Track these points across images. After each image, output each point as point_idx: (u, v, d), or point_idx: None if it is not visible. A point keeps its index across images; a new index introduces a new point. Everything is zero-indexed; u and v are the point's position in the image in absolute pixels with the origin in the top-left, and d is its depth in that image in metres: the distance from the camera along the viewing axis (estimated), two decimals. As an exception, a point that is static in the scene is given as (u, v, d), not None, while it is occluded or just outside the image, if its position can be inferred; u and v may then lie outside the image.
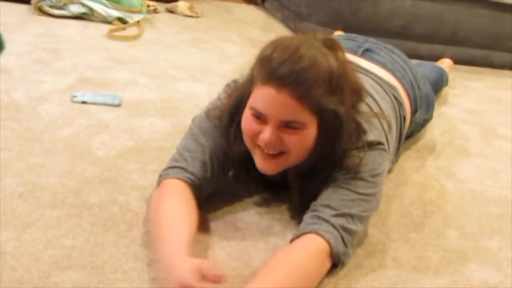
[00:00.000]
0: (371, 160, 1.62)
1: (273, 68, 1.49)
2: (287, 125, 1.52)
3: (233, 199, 1.80)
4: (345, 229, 1.52)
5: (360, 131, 1.63)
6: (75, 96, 2.29)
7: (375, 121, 1.70)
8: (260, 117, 1.53)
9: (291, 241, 1.54)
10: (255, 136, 1.56)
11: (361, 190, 1.59)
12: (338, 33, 3.20)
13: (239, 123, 1.62)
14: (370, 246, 1.69)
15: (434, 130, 2.59)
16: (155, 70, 2.77)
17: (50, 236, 1.51)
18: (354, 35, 2.42)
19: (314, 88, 1.49)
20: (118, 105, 2.31)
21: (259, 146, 1.57)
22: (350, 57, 1.71)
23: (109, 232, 1.56)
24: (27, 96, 2.26)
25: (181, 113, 2.32)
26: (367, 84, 1.82)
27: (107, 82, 2.53)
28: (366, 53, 2.23)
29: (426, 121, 2.45)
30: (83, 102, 2.27)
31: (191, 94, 2.53)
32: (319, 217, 1.54)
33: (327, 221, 1.52)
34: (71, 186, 1.73)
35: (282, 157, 1.58)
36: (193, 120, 1.77)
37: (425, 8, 3.76)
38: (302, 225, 1.57)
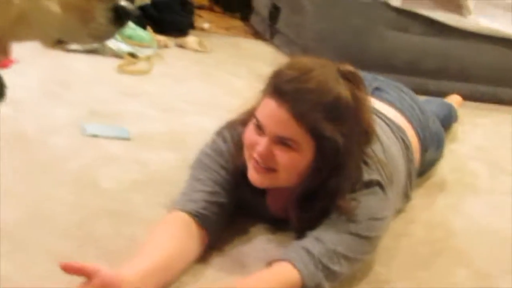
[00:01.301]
0: (370, 204, 1.61)
1: (280, 83, 1.54)
2: (282, 141, 1.53)
3: (240, 234, 1.79)
4: (325, 267, 1.49)
5: (360, 173, 1.63)
6: (85, 129, 2.30)
7: (378, 166, 1.69)
8: (260, 128, 1.56)
9: (267, 265, 1.53)
10: (252, 146, 1.58)
11: (353, 231, 1.56)
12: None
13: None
14: (377, 284, 1.67)
15: (444, 167, 2.57)
16: (164, 103, 2.78)
17: (54, 268, 1.50)
18: (363, 73, 2.42)
19: (314, 111, 1.51)
20: (127, 138, 2.31)
21: (254, 159, 1.58)
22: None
23: (115, 265, 1.55)
24: (37, 128, 2.27)
25: (188, 146, 2.32)
26: (378, 127, 1.82)
27: (117, 115, 2.54)
28: (375, 91, 2.23)
29: (436, 159, 2.44)
30: (93, 135, 2.28)
31: (199, 128, 2.53)
32: (302, 247, 1.53)
33: (309, 252, 1.50)
34: (77, 218, 1.73)
35: (272, 174, 1.59)
36: (201, 150, 1.78)
37: (433, 43, 3.77)
38: (283, 251, 1.56)
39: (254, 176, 1.61)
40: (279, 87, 1.54)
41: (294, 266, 1.48)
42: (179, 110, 2.73)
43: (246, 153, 1.62)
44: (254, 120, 1.59)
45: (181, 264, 1.54)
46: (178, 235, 1.56)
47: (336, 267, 1.51)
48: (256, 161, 1.58)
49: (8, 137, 2.11)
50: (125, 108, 2.63)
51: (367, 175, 1.64)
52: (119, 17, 0.96)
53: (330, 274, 1.50)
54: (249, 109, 1.70)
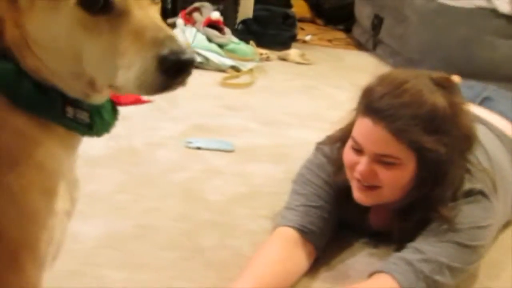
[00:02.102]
0: (473, 212, 1.55)
1: (373, 100, 1.51)
2: (382, 159, 1.50)
3: (343, 248, 1.77)
4: (427, 277, 1.45)
5: (462, 181, 1.57)
6: (190, 142, 2.36)
7: (481, 175, 1.63)
8: (358, 149, 1.54)
9: (368, 276, 1.51)
10: (353, 167, 1.56)
11: (456, 240, 1.51)
12: (454, 79, 3.12)
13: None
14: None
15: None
16: (267, 116, 2.81)
17: (163, 277, 1.54)
18: (472, 82, 2.34)
19: (411, 125, 1.47)
20: (231, 151, 2.35)
21: (356, 178, 1.56)
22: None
23: (221, 276, 1.57)
24: (145, 142, 2.35)
25: (292, 159, 2.33)
26: (483, 135, 1.76)
27: (221, 128, 2.59)
28: (485, 101, 2.15)
29: None
30: (198, 148, 2.34)
31: (302, 141, 2.53)
32: (402, 258, 1.49)
33: (409, 263, 1.47)
34: (184, 229, 1.77)
35: (376, 191, 1.56)
36: (303, 165, 1.78)
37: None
38: (383, 262, 1.53)
39: (358, 195, 1.59)
40: (373, 105, 1.51)
41: (393, 277, 1.45)
42: (281, 123, 2.75)
43: (348, 173, 1.60)
44: (351, 141, 1.57)
45: (290, 281, 1.54)
46: (286, 252, 1.56)
47: (438, 277, 1.47)
48: (359, 181, 1.56)
49: (118, 152, 2.20)
50: (228, 121, 2.68)
51: (469, 184, 1.58)
52: (167, 68, 0.82)
53: (432, 284, 1.46)
54: (345, 125, 1.68)
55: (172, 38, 0.85)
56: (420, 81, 1.53)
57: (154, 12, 0.88)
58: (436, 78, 1.55)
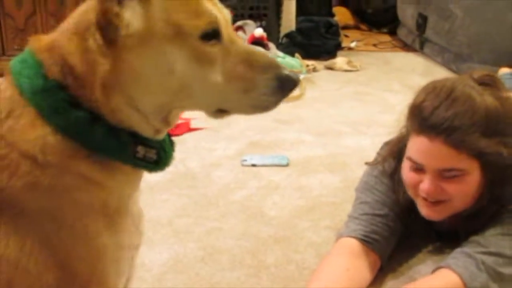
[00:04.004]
0: None
1: (425, 117, 1.46)
2: (446, 174, 1.47)
3: (409, 253, 1.74)
4: (490, 268, 1.42)
5: None
6: (245, 160, 2.37)
7: None
8: (417, 168, 1.51)
9: (431, 274, 1.49)
10: (415, 186, 1.53)
11: None
12: (504, 70, 3.06)
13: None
14: None
15: None
16: (320, 127, 2.80)
17: (232, 298, 1.55)
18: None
19: (469, 133, 1.43)
20: (287, 165, 2.35)
21: (422, 196, 1.53)
22: None
23: (288, 291, 1.57)
24: (201, 163, 2.37)
25: (348, 167, 2.32)
26: None
27: (274, 143, 2.59)
28: None
29: None
30: (253, 165, 2.34)
31: (357, 148, 2.52)
32: (463, 252, 1.46)
33: (470, 256, 1.44)
34: (248, 247, 1.77)
35: (445, 205, 1.52)
36: (365, 172, 1.76)
37: None
38: (445, 259, 1.50)
39: (427, 212, 1.56)
40: (426, 122, 1.47)
41: (453, 270, 1.43)
42: (335, 132, 2.73)
43: (411, 193, 1.57)
44: (408, 162, 1.54)
45: None
46: (350, 263, 1.54)
47: (502, 269, 1.43)
48: (425, 198, 1.53)
49: (175, 176, 2.23)
50: (281, 135, 2.68)
51: None
52: (282, 86, 0.93)
53: (496, 276, 1.43)
54: (394, 140, 1.67)
55: (277, 61, 0.97)
56: (466, 85, 1.49)
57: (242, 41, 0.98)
58: (479, 78, 1.51)
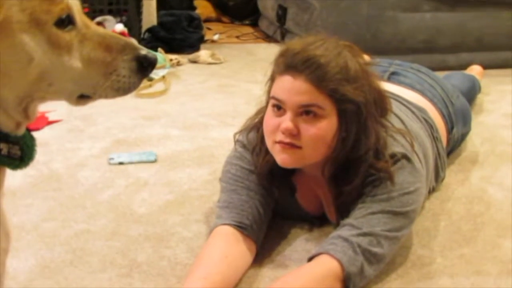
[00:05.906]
0: (400, 179, 1.59)
1: (289, 57, 1.54)
2: (306, 112, 1.53)
3: (279, 238, 1.78)
4: (365, 249, 1.49)
5: (386, 141, 1.62)
6: (112, 158, 2.33)
7: (400, 137, 1.68)
8: (279, 107, 1.56)
9: (307, 262, 1.53)
10: (275, 128, 1.56)
11: (388, 209, 1.55)
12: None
13: (262, 137, 1.64)
14: (424, 268, 1.65)
15: (474, 140, 2.55)
16: (186, 121, 2.80)
17: (103, 300, 1.52)
18: (377, 59, 2.40)
19: (330, 73, 1.51)
20: (154, 161, 2.33)
21: (279, 141, 1.56)
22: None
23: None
24: (65, 165, 2.29)
25: (216, 159, 2.33)
26: (395, 108, 1.81)
27: (141, 140, 2.56)
28: (392, 76, 2.22)
29: (465, 134, 2.41)
30: (120, 163, 2.30)
31: (224, 140, 2.54)
32: (339, 236, 1.52)
33: (346, 240, 1.50)
34: (118, 247, 1.74)
35: (298, 152, 1.56)
36: (226, 161, 1.79)
37: (446, 19, 3.75)
38: (321, 245, 1.55)
39: (281, 156, 1.58)
40: (290, 62, 1.54)
41: (332, 256, 1.47)
42: (202, 125, 2.74)
43: (269, 141, 1.60)
44: (271, 102, 1.58)
45: (236, 278, 1.55)
46: (228, 249, 1.56)
47: (376, 249, 1.50)
48: (281, 141, 1.55)
49: (39, 179, 2.14)
50: (148, 132, 2.65)
51: (391, 147, 1.62)
52: (142, 66, 0.96)
53: (371, 256, 1.49)
54: (256, 112, 1.74)
55: (133, 42, 0.98)
56: (329, 41, 1.59)
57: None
58: (343, 43, 1.61)
